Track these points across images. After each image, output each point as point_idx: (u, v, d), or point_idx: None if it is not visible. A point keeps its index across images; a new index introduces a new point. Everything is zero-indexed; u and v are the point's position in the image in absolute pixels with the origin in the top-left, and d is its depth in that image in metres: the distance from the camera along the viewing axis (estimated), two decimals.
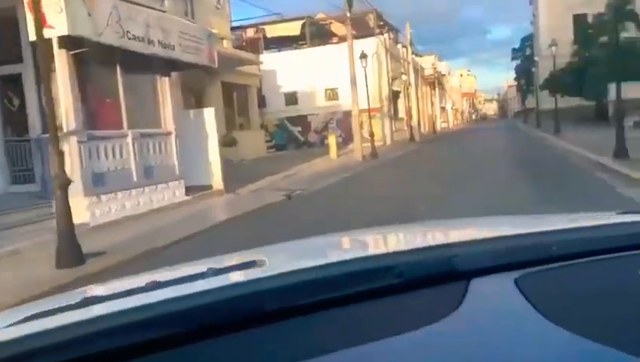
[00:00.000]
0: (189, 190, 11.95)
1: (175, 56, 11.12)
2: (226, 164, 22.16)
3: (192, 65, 12.25)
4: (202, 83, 20.71)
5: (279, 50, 37.01)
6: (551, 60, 46.91)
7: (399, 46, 38.22)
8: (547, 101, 48.02)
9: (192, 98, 20.38)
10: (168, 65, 11.51)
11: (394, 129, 34.43)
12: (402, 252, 1.09)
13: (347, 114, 33.19)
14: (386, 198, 10.48)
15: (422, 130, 48.49)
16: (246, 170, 18.83)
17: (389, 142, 33.14)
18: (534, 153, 18.02)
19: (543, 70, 47.15)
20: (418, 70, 47.37)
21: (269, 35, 36.47)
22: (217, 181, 13.03)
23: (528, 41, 78.03)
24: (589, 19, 49.39)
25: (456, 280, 0.86)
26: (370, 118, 23.41)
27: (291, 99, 34.33)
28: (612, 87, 28.13)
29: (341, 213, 9.10)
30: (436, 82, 52.82)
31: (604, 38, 30.20)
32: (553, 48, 25.49)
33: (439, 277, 0.87)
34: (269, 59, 34.07)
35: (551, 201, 7.92)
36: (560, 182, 10.61)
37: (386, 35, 34.11)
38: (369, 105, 22.72)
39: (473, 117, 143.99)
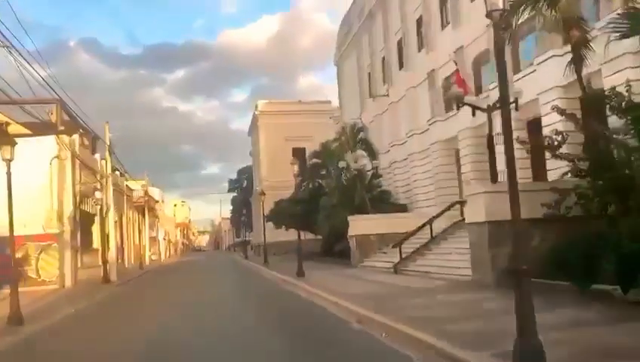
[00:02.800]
0: None
1: None
2: None
3: None
4: None
5: None
6: (273, 191, 43.91)
7: (97, 156, 29.27)
8: (270, 234, 44.23)
9: None
10: None
11: (80, 264, 24.23)
12: None
13: (4, 240, 21.99)
14: None
15: (126, 264, 38.53)
16: None
17: (69, 283, 22.67)
18: (309, 334, 10.55)
19: (266, 201, 44.12)
20: (124, 191, 38.45)
21: None
22: None
23: (245, 173, 77.13)
24: (307, 153, 49.45)
25: None
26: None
27: None
28: (353, 220, 24.47)
29: None
30: (146, 208, 44.35)
31: (343, 163, 27.03)
32: (295, 167, 20.48)
33: None
34: None
35: None
36: None
37: (76, 136, 25.01)
38: (12, 230, 13.10)
39: (188, 248, 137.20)
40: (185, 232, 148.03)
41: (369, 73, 33.66)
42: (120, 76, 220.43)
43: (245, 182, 76.43)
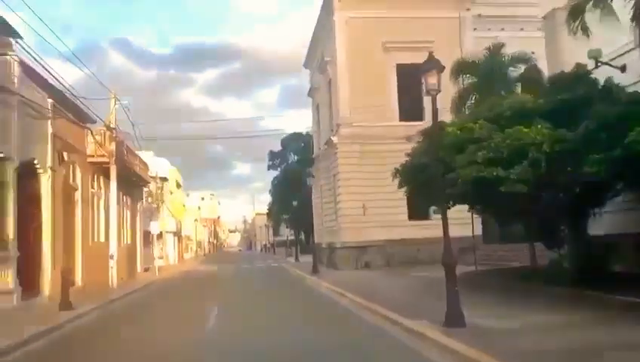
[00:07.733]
0: None
1: None
2: None
3: None
4: None
5: None
6: (362, 142, 21.51)
7: None
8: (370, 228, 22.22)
9: None
10: None
11: None
12: None
13: None
14: None
15: (79, 284, 16.19)
16: None
17: None
18: None
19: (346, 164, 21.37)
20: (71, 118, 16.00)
21: None
22: None
23: (294, 140, 53.98)
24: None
25: None
26: None
27: None
28: None
29: None
30: (112, 166, 21.76)
31: None
32: None
33: None
34: None
35: None
36: None
37: None
38: None
39: (216, 248, 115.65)
40: (213, 230, 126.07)
41: None
42: (151, 76, 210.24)
43: (292, 155, 53.39)
